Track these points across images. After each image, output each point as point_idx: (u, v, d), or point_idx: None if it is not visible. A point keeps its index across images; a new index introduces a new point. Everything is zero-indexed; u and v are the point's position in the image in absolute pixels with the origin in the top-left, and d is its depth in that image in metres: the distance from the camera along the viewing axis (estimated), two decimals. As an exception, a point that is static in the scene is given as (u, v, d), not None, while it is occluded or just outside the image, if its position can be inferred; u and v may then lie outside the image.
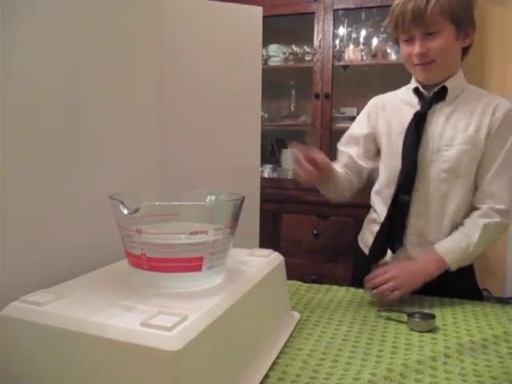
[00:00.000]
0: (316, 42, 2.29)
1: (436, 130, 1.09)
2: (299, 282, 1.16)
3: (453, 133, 1.07)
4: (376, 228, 1.16)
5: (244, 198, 0.72)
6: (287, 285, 0.97)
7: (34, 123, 0.74)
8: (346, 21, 2.35)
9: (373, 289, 1.01)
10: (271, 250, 0.90)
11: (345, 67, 2.34)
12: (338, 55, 2.33)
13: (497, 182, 1.06)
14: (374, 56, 2.29)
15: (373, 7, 2.21)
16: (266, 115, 2.52)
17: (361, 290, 1.09)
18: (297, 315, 0.93)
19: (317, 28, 2.28)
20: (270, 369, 0.72)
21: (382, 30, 2.24)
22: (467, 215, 1.09)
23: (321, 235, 2.25)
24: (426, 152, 1.09)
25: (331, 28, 2.26)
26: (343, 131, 1.29)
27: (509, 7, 2.29)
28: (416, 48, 1.05)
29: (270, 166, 2.53)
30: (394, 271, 1.01)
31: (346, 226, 2.14)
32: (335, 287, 1.14)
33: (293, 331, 0.86)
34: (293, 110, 2.66)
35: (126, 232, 0.67)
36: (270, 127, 2.52)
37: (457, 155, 1.06)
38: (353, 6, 2.23)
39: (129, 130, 0.98)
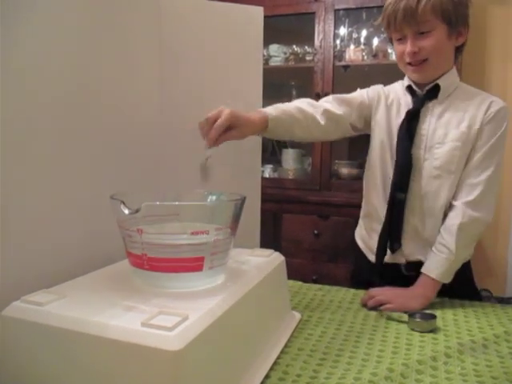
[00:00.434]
0: (317, 42, 2.29)
1: (429, 127, 1.09)
2: (300, 282, 1.16)
3: (445, 130, 1.07)
4: (373, 224, 1.16)
5: (245, 198, 0.72)
6: (288, 285, 0.97)
7: (34, 123, 0.74)
8: (346, 21, 2.35)
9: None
10: (272, 250, 0.90)
11: (345, 67, 2.34)
12: (339, 55, 2.33)
13: (474, 174, 1.05)
14: (375, 56, 2.29)
15: (373, 7, 2.21)
16: (266, 115, 2.51)
17: (362, 291, 1.09)
18: (297, 315, 0.93)
19: (317, 28, 2.28)
20: (271, 369, 0.72)
21: (383, 29, 2.23)
22: None
23: (321, 235, 2.24)
24: (418, 150, 1.09)
25: (332, 28, 2.26)
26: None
27: (509, 7, 2.29)
28: (408, 47, 1.05)
29: (271, 165, 2.53)
30: (388, 293, 1.01)
31: (347, 225, 2.14)
32: (336, 287, 1.14)
33: (293, 331, 0.86)
34: (293, 109, 2.65)
35: (127, 232, 0.67)
36: (271, 127, 2.51)
37: (449, 152, 1.06)
38: (353, 6, 2.23)
39: (129, 129, 0.98)
